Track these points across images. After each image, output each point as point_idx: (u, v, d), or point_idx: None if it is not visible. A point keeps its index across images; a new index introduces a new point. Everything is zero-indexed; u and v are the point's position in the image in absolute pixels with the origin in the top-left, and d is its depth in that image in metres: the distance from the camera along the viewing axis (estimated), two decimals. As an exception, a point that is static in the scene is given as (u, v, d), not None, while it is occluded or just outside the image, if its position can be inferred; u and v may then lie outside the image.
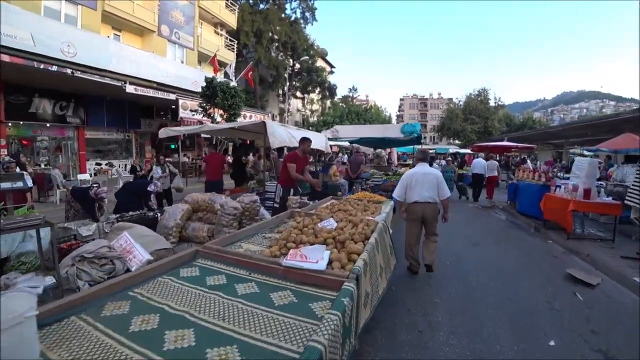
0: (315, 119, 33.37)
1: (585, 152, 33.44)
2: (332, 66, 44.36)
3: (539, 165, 8.92)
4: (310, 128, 26.71)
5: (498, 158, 23.69)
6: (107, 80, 13.72)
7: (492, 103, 48.16)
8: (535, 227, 7.64)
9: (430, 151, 33.61)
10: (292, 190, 5.66)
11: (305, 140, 5.69)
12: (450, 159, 12.95)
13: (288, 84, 30.48)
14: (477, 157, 13.23)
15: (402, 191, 4.86)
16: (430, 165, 12.78)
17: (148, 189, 7.50)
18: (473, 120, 45.62)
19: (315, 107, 36.01)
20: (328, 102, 35.32)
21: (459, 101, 50.74)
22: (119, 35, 17.54)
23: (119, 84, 14.28)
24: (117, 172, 14.93)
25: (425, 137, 75.53)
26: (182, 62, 20.18)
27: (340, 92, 48.50)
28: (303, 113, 35.76)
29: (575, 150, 33.17)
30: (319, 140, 10.45)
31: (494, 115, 46.65)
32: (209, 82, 14.92)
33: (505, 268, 5.06)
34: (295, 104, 35.15)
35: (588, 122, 20.27)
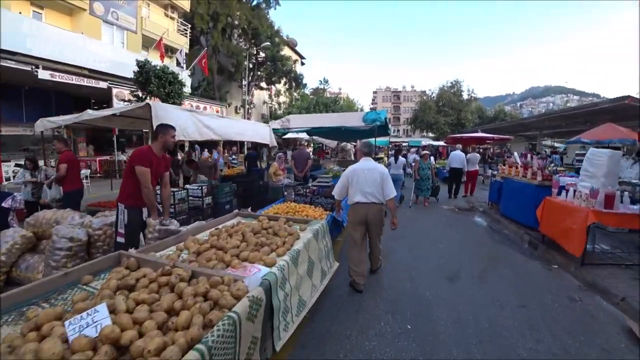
0: (282, 111, 30.86)
1: (556, 144, 32.68)
2: (302, 57, 41.91)
3: (531, 159, 6.93)
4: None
5: (471, 151, 22.13)
6: (9, 64, 11.08)
7: (465, 95, 46.92)
8: (529, 242, 5.69)
9: (403, 144, 31.86)
10: (144, 212, 3.41)
11: (165, 130, 3.40)
12: (427, 152, 10.28)
13: (252, 73, 27.94)
14: (455, 150, 11.35)
15: (342, 190, 4.13)
16: (405, 157, 10.83)
17: (3, 204, 5.16)
18: (446, 112, 44.23)
19: (283, 99, 33.34)
20: (296, 94, 32.67)
21: (432, 93, 49.16)
22: (40, 14, 14.68)
23: (27, 68, 11.64)
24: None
25: (398, 130, 74.57)
26: (123, 46, 17.45)
27: (312, 85, 46.22)
28: (270, 105, 33.09)
29: (547, 142, 32.32)
30: (261, 132, 8.34)
31: (467, 107, 45.41)
32: (141, 65, 12.47)
33: (505, 334, 3.05)
34: (261, 95, 32.52)
35: (564, 112, 18.76)
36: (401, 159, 10.11)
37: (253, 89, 28.48)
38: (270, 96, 32.65)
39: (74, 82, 12.99)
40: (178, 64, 19.38)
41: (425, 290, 3.95)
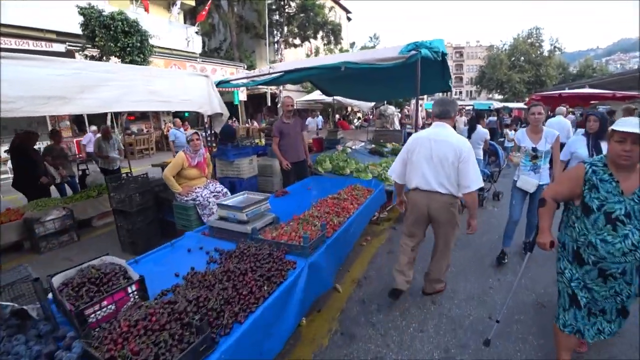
0: (320, 73, 25.72)
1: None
2: (347, 11, 35.75)
3: None
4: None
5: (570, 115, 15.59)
6: None
7: (546, 47, 37.63)
8: None
9: (467, 107, 24.48)
10: None
11: None
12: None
13: (281, 29, 23.25)
14: (553, 116, 6.35)
15: (401, 168, 2.71)
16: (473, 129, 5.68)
17: None
18: (522, 67, 35.84)
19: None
20: (337, 51, 27.01)
21: (504, 45, 40.16)
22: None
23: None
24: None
25: (460, 92, 65.11)
26: (105, 0, 13.79)
27: (360, 43, 40.09)
28: (308, 66, 27.93)
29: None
30: (172, 93, 4.07)
31: (548, 61, 36.38)
32: (84, 13, 8.72)
33: None
34: (297, 55, 27.48)
35: None
36: (481, 130, 5.28)
37: (283, 46, 23.76)
38: (307, 55, 27.47)
39: (13, 46, 9.66)
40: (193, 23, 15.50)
41: None
